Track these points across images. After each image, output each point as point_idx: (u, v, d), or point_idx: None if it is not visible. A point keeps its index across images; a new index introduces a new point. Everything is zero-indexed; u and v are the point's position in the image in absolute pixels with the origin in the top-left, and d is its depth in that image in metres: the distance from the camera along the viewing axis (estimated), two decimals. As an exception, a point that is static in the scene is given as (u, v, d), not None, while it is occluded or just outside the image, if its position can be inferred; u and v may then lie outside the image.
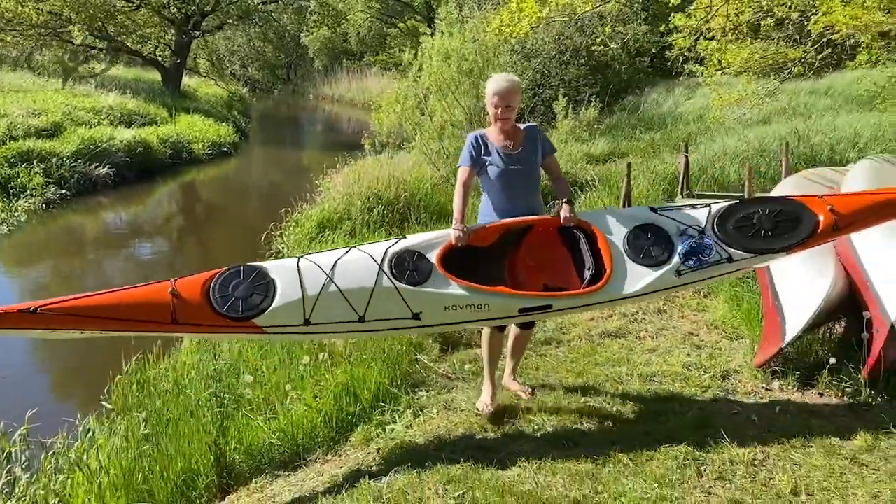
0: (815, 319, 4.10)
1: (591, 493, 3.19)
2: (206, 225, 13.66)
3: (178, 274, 3.39)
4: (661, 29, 11.77)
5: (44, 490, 3.93)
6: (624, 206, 7.36)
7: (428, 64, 10.13)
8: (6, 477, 3.95)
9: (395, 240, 3.64)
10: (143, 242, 11.85)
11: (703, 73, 11.14)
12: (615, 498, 3.16)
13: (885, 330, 3.92)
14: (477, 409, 3.96)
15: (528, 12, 8.62)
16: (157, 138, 16.55)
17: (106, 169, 13.94)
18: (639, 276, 3.57)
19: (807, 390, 4.17)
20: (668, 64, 18.67)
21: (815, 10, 9.13)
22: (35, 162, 12.82)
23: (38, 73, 20.16)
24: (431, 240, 3.64)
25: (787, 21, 10.86)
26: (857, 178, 6.05)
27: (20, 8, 20.48)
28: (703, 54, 11.17)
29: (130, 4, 23.32)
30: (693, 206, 3.85)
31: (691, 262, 3.59)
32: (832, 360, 4.09)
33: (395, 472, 3.45)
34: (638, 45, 18.60)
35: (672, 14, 10.25)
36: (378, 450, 3.76)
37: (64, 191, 12.87)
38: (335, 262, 3.45)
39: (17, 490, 3.91)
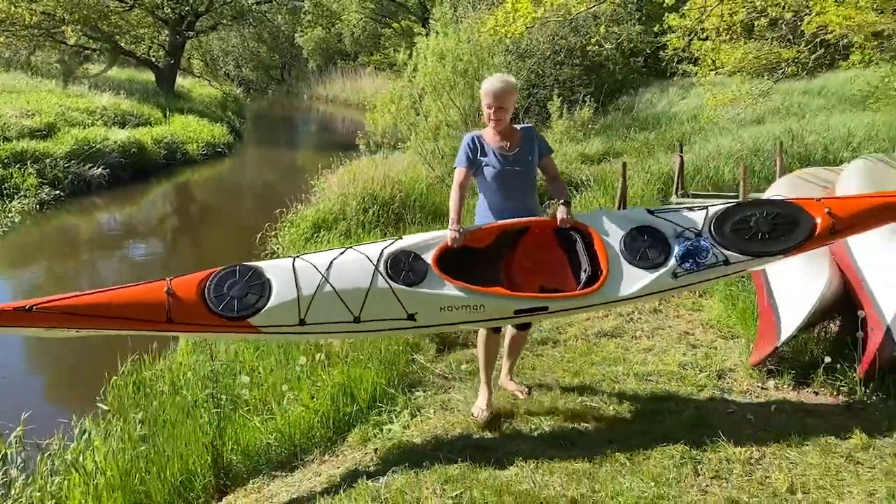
0: (810, 318, 4.12)
1: (588, 492, 3.20)
2: (200, 226, 13.64)
3: (172, 275, 3.38)
4: (655, 29, 11.79)
5: (40, 492, 3.93)
6: (620, 206, 7.37)
7: (423, 64, 10.14)
8: (2, 479, 3.94)
9: (392, 240, 3.63)
10: (138, 243, 11.83)
11: (697, 73, 11.16)
12: (612, 497, 3.16)
13: (880, 329, 3.94)
14: (472, 414, 3.94)
15: (523, 12, 8.62)
16: (151, 139, 16.53)
17: (100, 170, 13.92)
18: (635, 279, 3.57)
19: (802, 389, 4.18)
20: (663, 64, 18.74)
21: (808, 11, 9.16)
22: (29, 163, 12.81)
23: (32, 74, 20.08)
24: (428, 240, 3.64)
25: (780, 21, 10.90)
26: (852, 178, 6.09)
27: (13, 8, 20.41)
28: (696, 54, 11.20)
29: (124, 5, 23.26)
30: (690, 209, 3.85)
31: (688, 265, 3.59)
32: (827, 359, 4.10)
33: (393, 472, 3.45)
34: (632, 45, 18.64)
35: (666, 14, 10.27)
36: (375, 450, 3.76)
37: (58, 192, 12.85)
38: (331, 263, 3.45)
39: (12, 492, 3.90)
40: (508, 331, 4.14)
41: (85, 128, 15.36)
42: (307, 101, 37.63)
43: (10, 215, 11.48)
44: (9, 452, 4.14)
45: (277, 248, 9.21)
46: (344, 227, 9.22)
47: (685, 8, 10.12)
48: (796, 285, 4.29)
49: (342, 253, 3.54)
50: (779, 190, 6.34)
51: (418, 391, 4.41)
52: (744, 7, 9.95)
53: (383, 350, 4.63)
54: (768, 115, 13.37)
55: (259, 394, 4.49)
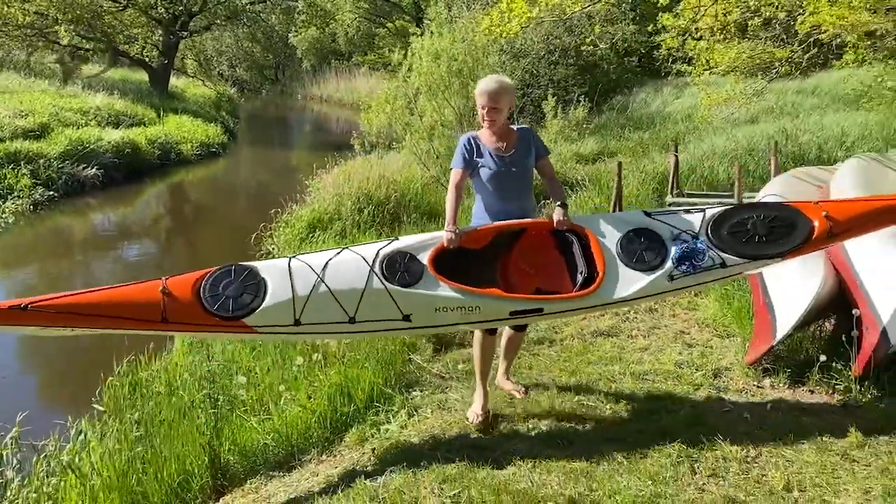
0: (805, 317, 4.13)
1: (585, 491, 3.21)
2: (195, 226, 13.62)
3: (166, 275, 3.38)
4: (650, 29, 11.82)
5: (36, 493, 3.92)
6: (615, 205, 7.38)
7: (418, 64, 10.12)
8: (-1, 480, 3.93)
9: (388, 241, 3.63)
10: (132, 244, 11.81)
11: (691, 73, 11.20)
12: (610, 495, 3.17)
13: (875, 327, 3.96)
14: (467, 419, 3.91)
15: (518, 12, 8.63)
16: (145, 139, 16.51)
17: (94, 170, 13.89)
18: (631, 281, 3.56)
19: (798, 388, 4.20)
20: (657, 64, 18.79)
21: (801, 10, 9.19)
22: (22, 163, 12.77)
23: (26, 74, 20.03)
24: (424, 241, 3.63)
25: (774, 21, 10.93)
26: (846, 177, 6.11)
27: (6, 8, 20.36)
28: (691, 54, 11.23)
29: (117, 5, 23.21)
30: (687, 211, 3.84)
31: (684, 267, 3.58)
32: (823, 358, 4.11)
33: (391, 471, 3.46)
34: (626, 44, 18.67)
35: (660, 14, 10.30)
36: (373, 450, 3.76)
37: (52, 192, 12.82)
38: (326, 263, 3.45)
39: (8, 493, 3.89)
40: (505, 331, 4.15)
41: (79, 128, 15.34)
42: (301, 101, 37.61)
43: (3, 216, 11.44)
44: (4, 453, 4.13)
45: (273, 249, 9.21)
46: (339, 228, 9.22)
47: (679, 8, 10.15)
48: (792, 284, 4.30)
49: (338, 253, 3.54)
50: (774, 189, 6.36)
51: (415, 391, 4.41)
52: (737, 7, 9.98)
53: (380, 350, 4.63)
54: (762, 115, 13.41)
55: (256, 394, 4.49)
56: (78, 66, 23.42)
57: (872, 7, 8.39)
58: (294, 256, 3.54)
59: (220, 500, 3.72)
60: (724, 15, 10.19)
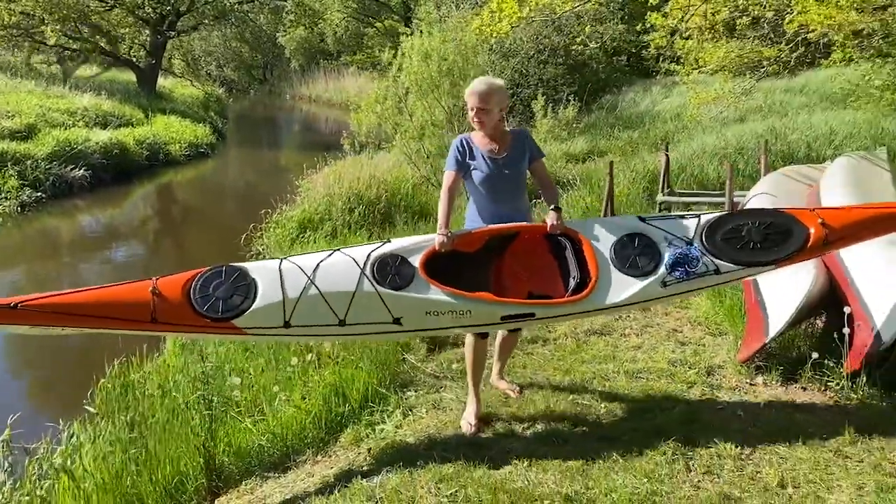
0: (797, 315, 4.16)
1: (582, 489, 3.22)
2: (184, 227, 13.56)
3: (156, 276, 3.37)
4: (638, 28, 11.86)
5: (28, 496, 3.89)
6: (607, 205, 7.40)
7: (408, 63, 10.12)
8: (-10, 483, 3.90)
9: (380, 243, 3.61)
10: (121, 245, 11.74)
11: (679, 72, 11.24)
12: (606, 493, 3.18)
13: (866, 325, 3.99)
14: (460, 428, 3.87)
15: (508, 12, 8.64)
16: (133, 140, 16.42)
17: (82, 171, 13.80)
18: (624, 286, 3.54)
19: (790, 385, 4.22)
20: (645, 63, 18.86)
21: (789, 10, 9.24)
22: (9, 164, 12.68)
23: (11, 75, 19.90)
24: (415, 244, 3.62)
25: (762, 20, 10.99)
26: (836, 175, 6.16)
27: (-9, 9, 20.24)
28: (679, 53, 11.27)
29: (104, 4, 23.07)
30: (682, 216, 3.83)
31: (678, 273, 3.55)
32: (814, 355, 4.12)
33: (387, 471, 3.46)
34: (615, 44, 18.72)
35: (648, 13, 10.33)
36: (369, 450, 3.76)
37: (39, 193, 12.74)
38: (317, 265, 3.43)
39: (0, 496, 3.86)
40: (500, 332, 4.14)
41: (66, 129, 15.24)
42: (290, 101, 37.50)
43: (-10, 217, 11.37)
44: (-5, 456, 4.10)
45: (263, 249, 9.19)
46: (330, 228, 9.20)
47: (667, 7, 10.18)
48: (783, 282, 4.33)
49: (329, 255, 3.52)
50: (764, 187, 6.40)
51: (410, 391, 4.41)
52: (726, 6, 10.03)
53: (374, 350, 4.62)
54: (751, 114, 13.47)
55: (250, 395, 4.48)
56: (77, 66, 23.39)
57: (859, 6, 8.44)
58: (285, 258, 3.53)
59: (216, 502, 3.71)
60: (713, 14, 10.24)
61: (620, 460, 3.42)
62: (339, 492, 3.36)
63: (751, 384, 4.30)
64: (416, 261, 3.52)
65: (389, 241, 3.64)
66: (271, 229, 9.51)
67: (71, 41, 22.72)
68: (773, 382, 4.27)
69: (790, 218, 3.68)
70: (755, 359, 4.37)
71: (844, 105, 12.80)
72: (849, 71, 12.16)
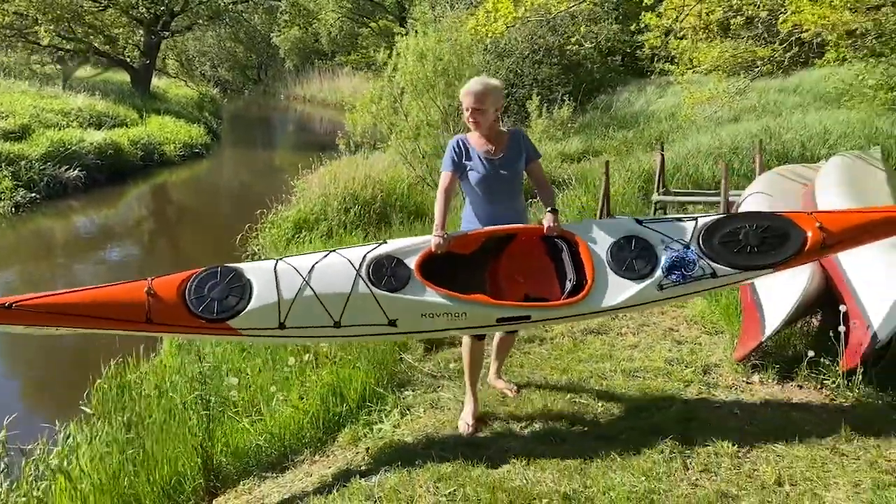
0: (793, 314, 4.17)
1: (580, 488, 3.23)
2: (179, 227, 13.54)
3: (151, 276, 3.36)
4: (633, 28, 11.87)
5: (25, 497, 3.89)
6: (603, 204, 7.41)
7: (403, 63, 10.11)
8: (-14, 484, 3.90)
9: (376, 244, 3.60)
10: (116, 246, 11.72)
11: (674, 72, 11.26)
12: (604, 492, 3.19)
13: (862, 322, 4.01)
14: (458, 429, 3.87)
15: (504, 12, 8.65)
16: (127, 140, 16.38)
17: (76, 172, 13.79)
18: (620, 289, 3.53)
19: (786, 383, 4.24)
20: (640, 63, 18.89)
21: (783, 10, 9.27)
22: (3, 165, 12.65)
23: (5, 75, 19.84)
24: (411, 246, 3.60)
25: (756, 20, 11.02)
26: (830, 174, 6.18)
27: (-15, 9, 20.18)
28: (673, 53, 11.29)
29: (98, 5, 23.00)
30: (679, 219, 3.81)
31: (674, 277, 3.53)
32: (810, 354, 4.14)
33: (385, 470, 3.46)
34: (609, 44, 18.75)
35: (643, 13, 10.35)
36: (367, 449, 3.77)
37: (34, 194, 12.72)
38: (313, 266, 3.43)
39: (-3, 497, 3.86)
40: (497, 332, 4.14)
41: (60, 129, 15.20)
42: (284, 102, 37.44)
43: (-15, 218, 11.33)
44: (-8, 457, 4.09)
45: (259, 249, 9.18)
46: (325, 228, 9.21)
47: (662, 7, 10.20)
48: (779, 281, 4.33)
49: (325, 256, 3.52)
50: (759, 187, 6.43)
51: (407, 390, 4.41)
52: (720, 6, 10.05)
53: (371, 350, 4.62)
54: (745, 114, 13.52)
55: (247, 395, 4.48)
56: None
57: (853, 6, 8.48)
58: (280, 259, 3.52)
59: (213, 502, 3.71)
60: (707, 14, 10.27)
61: (618, 459, 3.43)
62: (337, 491, 3.36)
63: (747, 382, 4.31)
64: (412, 262, 3.51)
65: (385, 243, 3.63)
66: (267, 229, 9.50)
67: (65, 41, 22.64)
68: (770, 381, 4.28)
69: (787, 221, 3.66)
70: (751, 357, 4.38)
71: (838, 104, 12.86)
72: (842, 70, 12.22)
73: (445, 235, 3.60)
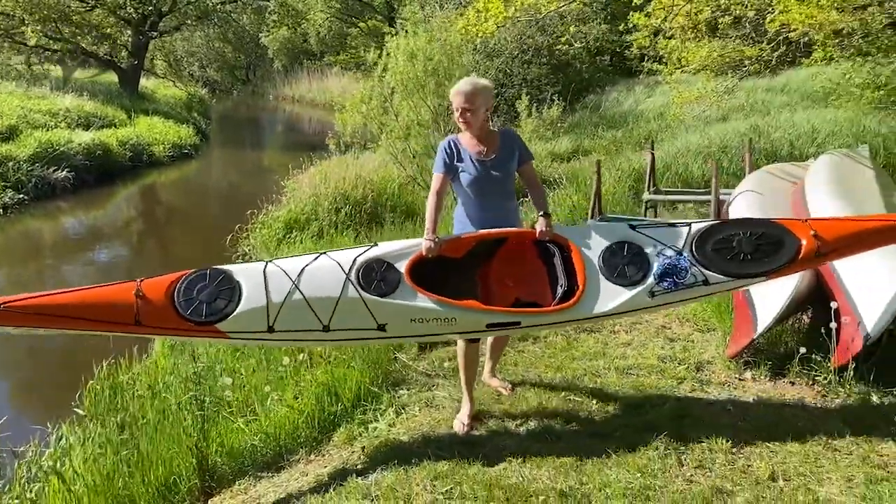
0: (785, 311, 4.21)
1: (576, 485, 3.25)
2: (168, 228, 13.49)
3: (140, 278, 3.35)
4: (621, 28, 11.91)
5: (18, 499, 3.87)
6: (595, 204, 7.44)
7: (393, 63, 10.11)
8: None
9: (367, 247, 3.59)
10: (104, 247, 11.66)
11: (662, 72, 11.30)
12: (600, 488, 3.21)
13: (852, 319, 4.05)
14: (453, 428, 3.87)
15: (494, 12, 8.67)
16: (116, 141, 16.30)
17: (64, 172, 13.71)
18: (611, 295, 3.51)
19: (779, 379, 4.27)
20: (628, 63, 18.95)
21: (771, 9, 9.32)
22: (-9, 166, 12.56)
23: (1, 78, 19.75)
24: (402, 249, 3.58)
25: (744, 19, 11.07)
26: (819, 173, 6.23)
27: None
28: (662, 53, 11.33)
29: (85, 5, 22.86)
30: (673, 224, 3.77)
31: (666, 284, 3.51)
32: (802, 350, 4.18)
33: (382, 469, 3.47)
34: (598, 43, 18.80)
35: (631, 13, 10.38)
36: (363, 448, 3.77)
37: (21, 195, 12.66)
38: (302, 269, 3.42)
39: (-10, 499, 3.84)
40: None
41: (48, 130, 15.11)
42: (273, 102, 37.35)
43: (-28, 220, 11.25)
44: (-17, 460, 4.08)
45: (249, 250, 9.16)
46: (316, 228, 9.20)
47: (650, 7, 10.23)
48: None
49: (315, 259, 3.50)
50: (748, 185, 6.47)
51: (402, 389, 4.41)
52: (708, 6, 10.10)
53: (366, 349, 4.62)
54: (733, 113, 13.59)
55: (241, 395, 4.47)
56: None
57: (840, 6, 8.53)
58: (270, 261, 3.50)
59: (209, 502, 3.70)
60: (696, 14, 10.30)
61: (613, 456, 3.45)
62: (334, 490, 3.37)
63: (740, 379, 4.34)
64: (403, 266, 3.49)
65: (376, 245, 3.61)
66: (257, 230, 9.49)
67: (52, 42, 22.51)
68: (762, 377, 4.31)
69: (782, 229, 3.62)
70: (744, 354, 4.41)
71: (826, 104, 12.93)
72: (829, 70, 12.27)
73: (436, 239, 3.58)
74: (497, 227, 3.75)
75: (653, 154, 8.63)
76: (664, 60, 11.30)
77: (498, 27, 9.42)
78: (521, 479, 3.30)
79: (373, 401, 4.24)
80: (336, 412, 4.16)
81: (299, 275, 3.39)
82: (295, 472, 3.73)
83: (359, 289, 3.38)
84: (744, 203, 5.93)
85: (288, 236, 9.16)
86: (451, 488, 3.25)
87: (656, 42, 11.01)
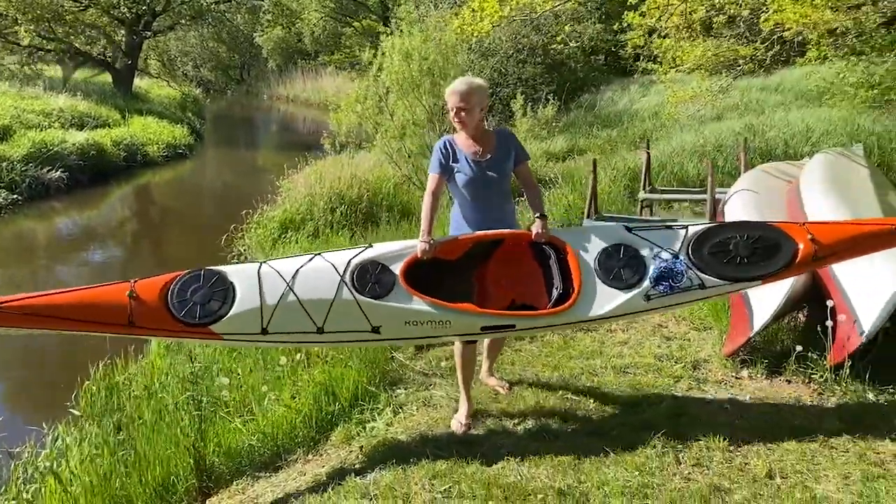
0: (781, 309, 4.22)
1: (574, 483, 3.25)
2: (163, 228, 13.46)
3: (135, 278, 3.34)
4: (616, 27, 11.92)
5: (15, 500, 3.86)
6: (591, 203, 7.44)
7: (389, 63, 10.10)
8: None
9: (362, 248, 3.57)
10: (99, 248, 11.63)
11: (657, 71, 11.32)
12: (598, 487, 3.22)
13: (848, 317, 4.06)
14: (451, 427, 3.87)
15: (490, 11, 8.67)
16: (110, 141, 16.26)
17: (58, 173, 13.67)
18: (607, 299, 3.49)
19: (775, 378, 4.28)
20: (623, 62, 18.98)
21: (765, 8, 9.34)
22: (-16, 166, 12.51)
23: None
24: (397, 251, 3.57)
25: (738, 18, 11.09)
26: (815, 171, 6.25)
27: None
28: (656, 52, 11.34)
29: (79, 4, 22.78)
30: (669, 227, 3.77)
31: (661, 287, 3.50)
32: (798, 348, 4.19)
33: (380, 468, 3.47)
34: (592, 43, 18.81)
35: (626, 13, 10.39)
36: (361, 448, 3.77)
37: (15, 196, 12.62)
38: (296, 271, 3.41)
39: (-14, 500, 3.83)
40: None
41: (42, 130, 15.05)
42: (267, 101, 37.32)
43: (-34, 221, 11.21)
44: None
45: (244, 250, 9.14)
46: (312, 228, 9.19)
47: (644, 6, 10.24)
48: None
49: (310, 260, 3.49)
50: (744, 184, 6.48)
51: (399, 389, 4.41)
52: (702, 5, 10.11)
53: (363, 349, 4.62)
54: (728, 112, 13.59)
55: (238, 395, 4.46)
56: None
57: (834, 5, 8.56)
58: (265, 262, 3.50)
59: (207, 502, 3.70)
60: (690, 14, 10.32)
61: (611, 454, 3.46)
62: (332, 490, 3.36)
63: (736, 378, 4.36)
64: (398, 268, 3.48)
65: (371, 247, 3.60)
66: (252, 230, 9.47)
67: (45, 42, 22.43)
68: (759, 376, 4.33)
69: (779, 232, 3.60)
70: (740, 353, 4.42)
71: (820, 103, 12.95)
72: (823, 69, 12.30)
73: (431, 241, 3.56)
74: (494, 229, 3.73)
75: (648, 153, 8.64)
76: (659, 60, 11.32)
77: (493, 26, 9.42)
78: (519, 477, 3.31)
79: (370, 400, 4.24)
80: (333, 412, 4.15)
81: (293, 276, 3.38)
82: (293, 472, 3.73)
83: (353, 291, 3.38)
84: (739, 202, 5.94)
85: (283, 236, 9.15)
86: (450, 487, 3.25)
87: (651, 41, 11.02)
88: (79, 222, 13.08)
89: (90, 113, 17.96)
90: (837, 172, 6.25)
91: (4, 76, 20.43)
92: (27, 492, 3.90)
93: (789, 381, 4.21)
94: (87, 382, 4.99)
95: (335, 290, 3.37)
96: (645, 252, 3.59)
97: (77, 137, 15.20)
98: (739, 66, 10.80)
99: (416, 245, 3.57)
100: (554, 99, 15.01)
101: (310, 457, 3.86)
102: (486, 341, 4.24)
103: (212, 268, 3.44)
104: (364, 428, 3.99)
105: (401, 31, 10.50)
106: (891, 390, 3.99)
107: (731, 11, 10.32)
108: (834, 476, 3.26)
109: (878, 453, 3.42)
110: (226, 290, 3.32)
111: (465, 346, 3.82)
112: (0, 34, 21.34)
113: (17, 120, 15.14)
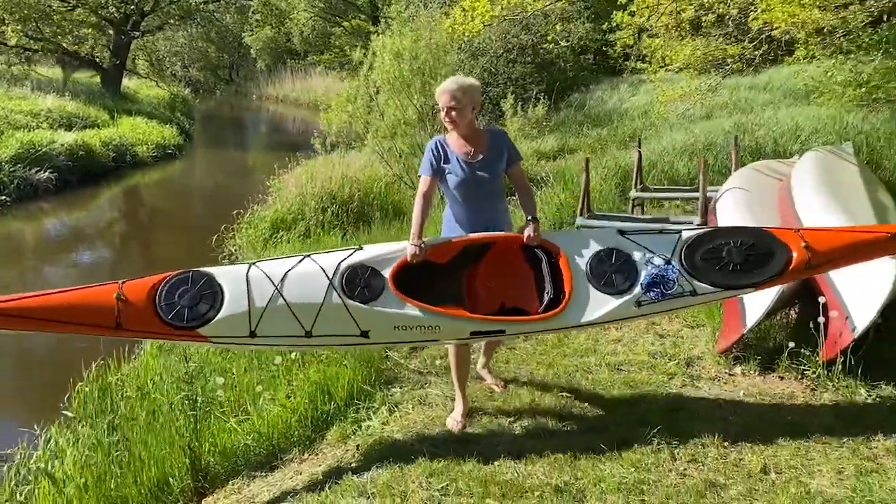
0: (773, 306, 4.25)
1: (571, 480, 3.27)
2: (153, 229, 13.40)
3: (124, 279, 3.33)
4: (605, 27, 11.96)
5: (9, 501, 3.85)
6: (583, 202, 7.46)
7: (379, 62, 10.10)
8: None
9: (352, 250, 3.54)
10: (88, 249, 11.58)
11: (646, 70, 11.35)
12: (595, 483, 3.23)
13: (840, 313, 4.09)
14: (447, 425, 3.86)
15: (481, 11, 8.68)
16: (99, 141, 16.17)
17: (47, 173, 13.59)
18: (598, 304, 3.47)
19: (768, 374, 4.31)
20: (612, 61, 19.02)
21: (753, 8, 9.39)
22: (-28, 168, 12.43)
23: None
24: (387, 254, 3.53)
25: (727, 18, 11.14)
26: (805, 169, 6.29)
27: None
28: (645, 51, 11.39)
29: (66, 4, 22.66)
30: (662, 231, 3.73)
31: (652, 294, 3.46)
32: (791, 345, 4.22)
33: (377, 467, 3.47)
34: (582, 42, 18.85)
35: (615, 12, 10.42)
36: (357, 446, 3.77)
37: (3, 197, 12.54)
38: (285, 274, 3.39)
39: (-21, 503, 3.81)
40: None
41: (30, 130, 14.95)
42: (256, 101, 37.20)
43: (-46, 222, 11.13)
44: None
45: (235, 250, 9.12)
46: (303, 228, 9.17)
47: (633, 6, 10.28)
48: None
49: (299, 262, 3.46)
50: (735, 182, 6.51)
51: (395, 387, 4.41)
52: (691, 4, 10.16)
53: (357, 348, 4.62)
54: (717, 111, 13.65)
55: (234, 395, 4.45)
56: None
57: (822, 4, 8.61)
58: (254, 263, 3.47)
59: (203, 502, 3.69)
60: (679, 13, 10.36)
61: (607, 451, 3.47)
62: (329, 488, 3.37)
63: (730, 374, 4.38)
64: (387, 272, 3.45)
65: (361, 249, 3.56)
66: (243, 230, 9.44)
67: (32, 42, 22.29)
68: (752, 372, 4.36)
69: (773, 239, 3.56)
70: (733, 349, 4.45)
71: (808, 101, 13.02)
72: (811, 68, 12.37)
73: (422, 245, 3.52)
74: (486, 230, 3.70)
75: (639, 152, 8.66)
76: (648, 59, 11.36)
77: (485, 26, 9.43)
78: (516, 475, 3.32)
79: (366, 399, 4.24)
80: (329, 411, 4.15)
81: (282, 280, 3.36)
82: (289, 471, 3.73)
83: (342, 295, 3.36)
84: (731, 200, 5.97)
85: (274, 236, 9.13)
86: (447, 485, 3.26)
87: (640, 41, 11.06)
88: (67, 223, 13.02)
89: (78, 113, 17.86)
90: (828, 170, 6.29)
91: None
92: (21, 494, 3.88)
93: (782, 378, 4.25)
94: (80, 383, 4.96)
95: (324, 294, 3.35)
96: (637, 257, 3.55)
97: (66, 138, 15.11)
98: (728, 65, 10.85)
99: (405, 247, 3.53)
100: (544, 98, 15.04)
101: (306, 456, 3.86)
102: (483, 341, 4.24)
103: (200, 269, 3.42)
104: (360, 427, 3.99)
105: (391, 30, 10.50)
106: (883, 386, 4.02)
107: (720, 10, 10.37)
108: (828, 471, 3.28)
109: (871, 448, 3.45)
110: (214, 293, 3.31)
111: (460, 347, 3.82)
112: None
113: (5, 120, 15.04)
